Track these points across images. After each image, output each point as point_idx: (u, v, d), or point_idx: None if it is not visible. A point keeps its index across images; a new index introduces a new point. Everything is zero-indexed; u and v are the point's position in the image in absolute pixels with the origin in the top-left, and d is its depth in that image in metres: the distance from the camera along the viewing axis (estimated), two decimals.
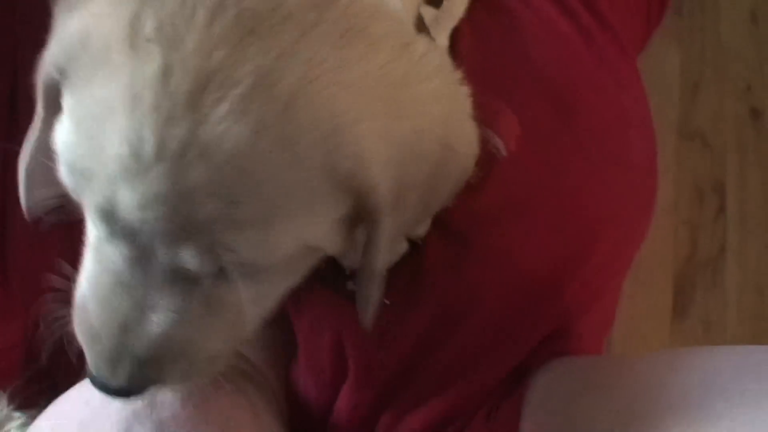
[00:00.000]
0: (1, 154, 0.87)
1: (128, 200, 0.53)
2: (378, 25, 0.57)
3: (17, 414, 1.02)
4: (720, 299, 1.51)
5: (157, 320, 0.59)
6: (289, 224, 0.56)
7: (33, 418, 0.87)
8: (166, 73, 0.51)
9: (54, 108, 0.59)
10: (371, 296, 0.66)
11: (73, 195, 0.59)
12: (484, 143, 0.90)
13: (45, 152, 0.61)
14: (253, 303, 0.62)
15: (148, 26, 0.52)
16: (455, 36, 0.95)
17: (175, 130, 0.51)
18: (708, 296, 1.51)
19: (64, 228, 0.70)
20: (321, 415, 0.91)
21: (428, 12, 0.73)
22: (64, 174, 0.57)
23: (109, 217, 0.55)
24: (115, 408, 0.72)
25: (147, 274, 0.57)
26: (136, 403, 0.72)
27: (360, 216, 0.60)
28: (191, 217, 0.53)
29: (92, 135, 0.53)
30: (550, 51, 1.00)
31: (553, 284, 0.90)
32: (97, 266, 0.60)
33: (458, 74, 0.68)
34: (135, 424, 0.72)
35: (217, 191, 0.52)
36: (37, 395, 0.93)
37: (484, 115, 0.91)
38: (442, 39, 0.93)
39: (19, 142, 0.68)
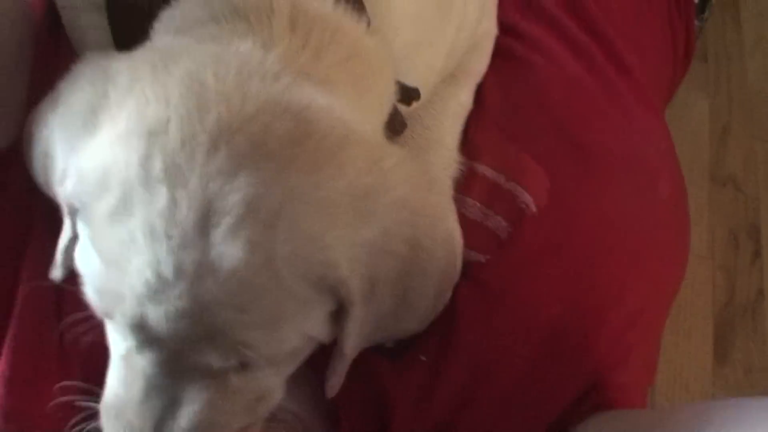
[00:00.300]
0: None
1: (156, 315, 0.61)
2: (347, 151, 0.66)
3: None
4: (760, 343, 1.50)
5: (187, 412, 0.66)
6: (291, 322, 0.65)
7: None
8: (173, 207, 0.60)
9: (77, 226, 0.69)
10: (336, 371, 0.75)
11: (100, 313, 0.67)
12: (513, 199, 0.93)
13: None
14: (267, 386, 0.70)
15: (157, 168, 0.61)
16: (479, 90, 0.99)
17: (188, 254, 0.60)
18: (748, 340, 1.50)
19: None
20: None
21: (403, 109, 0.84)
22: (91, 296, 0.66)
23: (140, 329, 0.63)
24: None
25: (175, 375, 0.65)
26: None
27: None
28: (211, 324, 0.62)
29: (118, 263, 0.62)
30: (571, 101, 1.03)
31: (583, 336, 0.92)
32: (130, 372, 0.67)
33: (428, 179, 0.78)
34: None
35: (228, 301, 0.61)
36: None
37: (513, 170, 0.94)
38: (466, 95, 0.98)
39: None
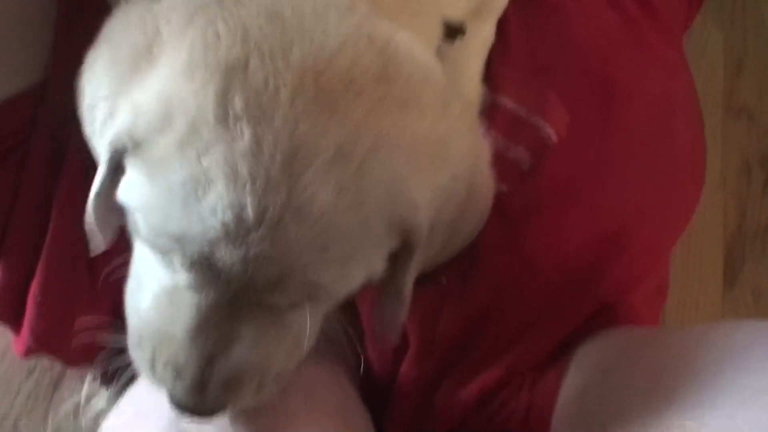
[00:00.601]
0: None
1: (230, 258, 0.59)
2: (428, 93, 0.66)
3: (104, 390, 1.09)
4: None
5: (240, 349, 0.64)
6: (363, 261, 0.64)
7: (118, 393, 0.91)
8: (258, 147, 0.57)
9: (117, 168, 0.65)
10: (398, 317, 0.74)
11: (153, 247, 0.64)
12: (535, 131, 0.96)
13: (106, 203, 0.67)
14: (313, 323, 0.69)
15: (237, 105, 0.58)
16: (503, 26, 1.00)
17: (273, 197, 0.57)
18: (757, 266, 1.54)
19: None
20: (385, 385, 0.97)
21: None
22: (148, 234, 0.62)
23: (205, 269, 0.60)
24: None
25: (233, 312, 0.63)
26: None
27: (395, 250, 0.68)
28: (287, 265, 0.60)
29: (185, 201, 0.58)
30: (594, 38, 1.04)
31: (598, 265, 0.96)
32: (174, 308, 0.65)
33: (482, 130, 0.79)
34: None
35: (310, 243, 0.59)
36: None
37: (535, 103, 0.97)
38: (489, 29, 0.99)
39: None
